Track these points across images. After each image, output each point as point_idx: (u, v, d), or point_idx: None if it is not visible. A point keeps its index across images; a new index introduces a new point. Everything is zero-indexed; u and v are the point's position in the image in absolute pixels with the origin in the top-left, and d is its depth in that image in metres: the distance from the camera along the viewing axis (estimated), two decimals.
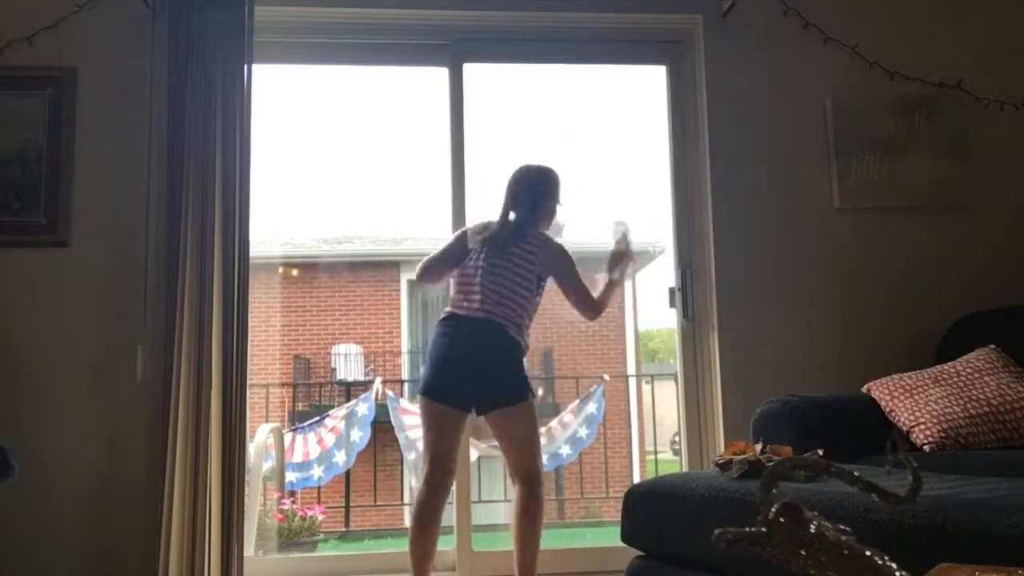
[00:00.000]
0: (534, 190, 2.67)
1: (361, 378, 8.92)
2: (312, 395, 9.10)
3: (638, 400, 8.69)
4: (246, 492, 2.74)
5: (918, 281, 3.02)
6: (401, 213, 9.75)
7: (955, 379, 2.44)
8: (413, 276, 2.86)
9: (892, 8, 3.16)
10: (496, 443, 2.61)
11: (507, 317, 2.47)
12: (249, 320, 2.73)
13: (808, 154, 3.06)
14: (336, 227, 9.87)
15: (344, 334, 9.51)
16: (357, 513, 7.74)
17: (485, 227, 2.65)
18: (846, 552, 0.69)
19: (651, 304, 9.56)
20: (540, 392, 8.66)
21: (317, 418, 5.96)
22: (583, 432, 5.83)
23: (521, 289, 2.52)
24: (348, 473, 6.68)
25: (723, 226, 3.00)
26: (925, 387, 2.44)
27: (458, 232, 2.71)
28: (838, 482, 0.78)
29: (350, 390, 8.46)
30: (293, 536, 5.07)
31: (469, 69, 3.11)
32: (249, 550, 2.94)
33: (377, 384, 7.17)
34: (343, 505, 7.48)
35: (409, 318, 9.67)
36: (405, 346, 9.62)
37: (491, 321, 2.46)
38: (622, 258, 2.72)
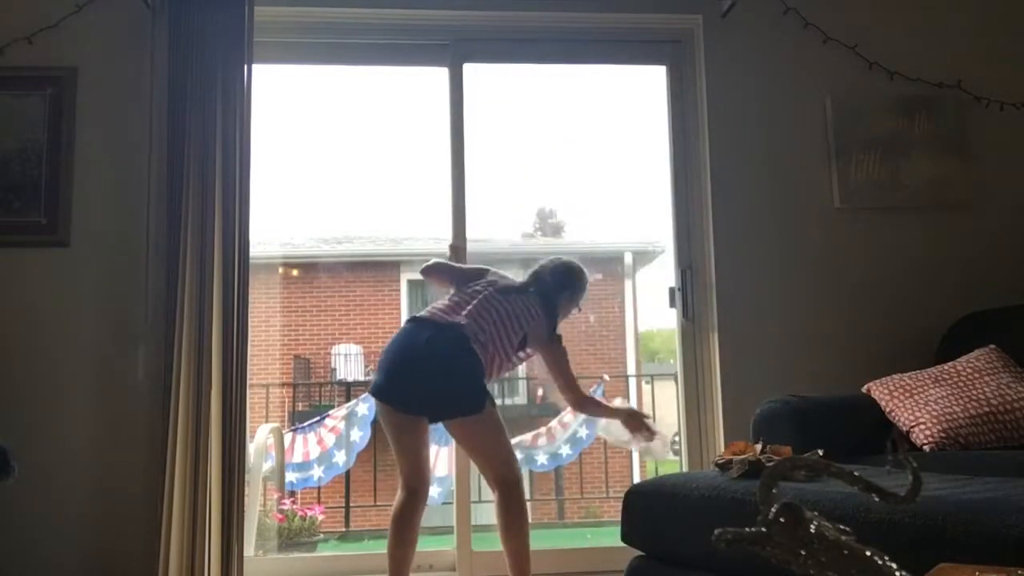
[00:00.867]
0: (561, 279, 2.63)
1: (361, 378, 8.91)
2: (312, 395, 9.09)
3: (638, 400, 8.68)
4: (246, 492, 2.74)
5: (918, 281, 3.02)
6: (401, 213, 9.74)
7: (955, 379, 2.44)
8: (418, 273, 2.84)
9: (892, 8, 3.16)
10: None
11: (478, 338, 2.37)
12: (249, 320, 2.73)
13: (808, 154, 3.06)
14: (336, 227, 9.87)
15: (344, 334, 9.50)
16: (357, 513, 7.74)
17: (504, 278, 2.63)
18: (846, 552, 0.69)
19: (651, 304, 9.56)
20: (541, 392, 8.66)
21: (317, 418, 5.96)
22: (583, 432, 5.82)
23: (508, 333, 2.45)
24: (348, 473, 6.68)
25: (723, 226, 3.00)
26: (925, 387, 2.44)
27: (481, 266, 2.68)
28: (838, 482, 0.78)
29: (350, 390, 8.45)
30: (293, 536, 5.07)
31: (469, 69, 3.11)
32: (249, 550, 2.94)
33: None
34: (343, 505, 7.48)
35: None
36: None
37: (458, 330, 2.36)
38: (641, 428, 2.65)
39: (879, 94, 3.08)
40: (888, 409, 2.44)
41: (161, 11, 2.82)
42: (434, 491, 5.57)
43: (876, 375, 2.56)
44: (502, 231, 9.40)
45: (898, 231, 3.05)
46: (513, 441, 6.48)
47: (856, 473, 0.76)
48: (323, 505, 5.94)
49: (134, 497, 2.65)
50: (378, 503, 7.65)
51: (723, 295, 2.97)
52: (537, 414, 7.37)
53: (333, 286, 9.75)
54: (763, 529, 0.72)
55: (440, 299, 2.54)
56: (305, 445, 5.71)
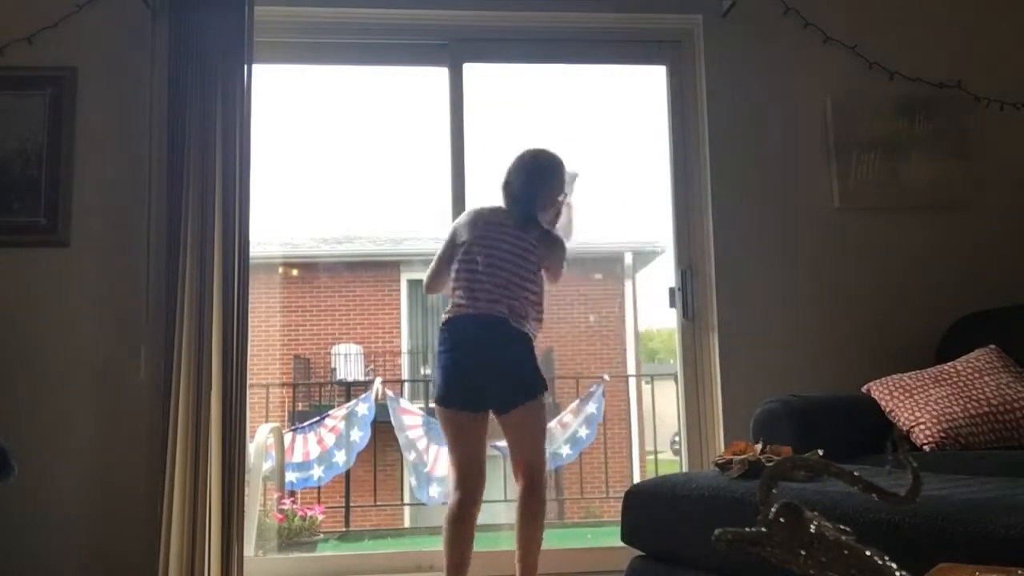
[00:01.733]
0: (536, 175, 2.56)
1: (361, 378, 8.91)
2: (312, 395, 9.09)
3: (638, 400, 8.68)
4: (246, 492, 2.74)
5: (918, 281, 3.02)
6: (401, 213, 9.73)
7: (955, 379, 2.44)
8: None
9: (892, 8, 3.16)
10: (497, 443, 2.60)
11: (512, 309, 2.39)
12: (249, 320, 2.73)
13: (808, 154, 3.06)
14: (336, 227, 9.86)
15: (344, 334, 9.50)
16: (357, 513, 7.73)
17: (479, 215, 2.55)
18: (846, 552, 0.69)
19: (651, 304, 9.55)
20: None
21: (317, 418, 5.95)
22: (583, 432, 5.82)
23: (525, 276, 2.45)
24: (348, 473, 6.67)
25: (723, 226, 3.00)
26: (925, 387, 2.44)
27: (449, 232, 2.61)
28: (838, 482, 0.78)
29: (350, 390, 8.45)
30: (293, 536, 5.06)
31: (469, 69, 3.11)
32: (249, 550, 2.94)
33: (377, 384, 7.16)
34: (343, 505, 7.47)
35: (409, 318, 9.66)
36: (405, 346, 9.62)
37: (493, 317, 2.38)
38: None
39: (879, 94, 3.08)
40: (888, 409, 2.44)
41: (161, 11, 2.82)
42: (434, 491, 5.58)
43: (876, 375, 2.56)
44: None
45: (898, 231, 3.05)
46: None
47: (856, 473, 0.76)
48: (323, 505, 5.93)
49: (134, 497, 2.65)
50: (378, 503, 7.66)
51: (723, 295, 2.97)
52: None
53: (333, 286, 9.74)
54: (763, 529, 0.72)
55: (452, 286, 2.50)
56: (305, 445, 5.70)
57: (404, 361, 9.59)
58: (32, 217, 2.78)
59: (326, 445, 5.71)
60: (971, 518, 1.31)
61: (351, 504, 7.54)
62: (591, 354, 9.38)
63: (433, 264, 2.61)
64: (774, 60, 3.09)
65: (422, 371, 9.47)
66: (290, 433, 5.79)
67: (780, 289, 2.98)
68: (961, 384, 2.41)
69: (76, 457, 2.69)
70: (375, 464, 6.82)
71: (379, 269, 9.76)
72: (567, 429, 5.85)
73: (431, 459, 5.63)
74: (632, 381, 9.21)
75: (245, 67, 2.77)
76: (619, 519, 2.01)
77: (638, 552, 1.98)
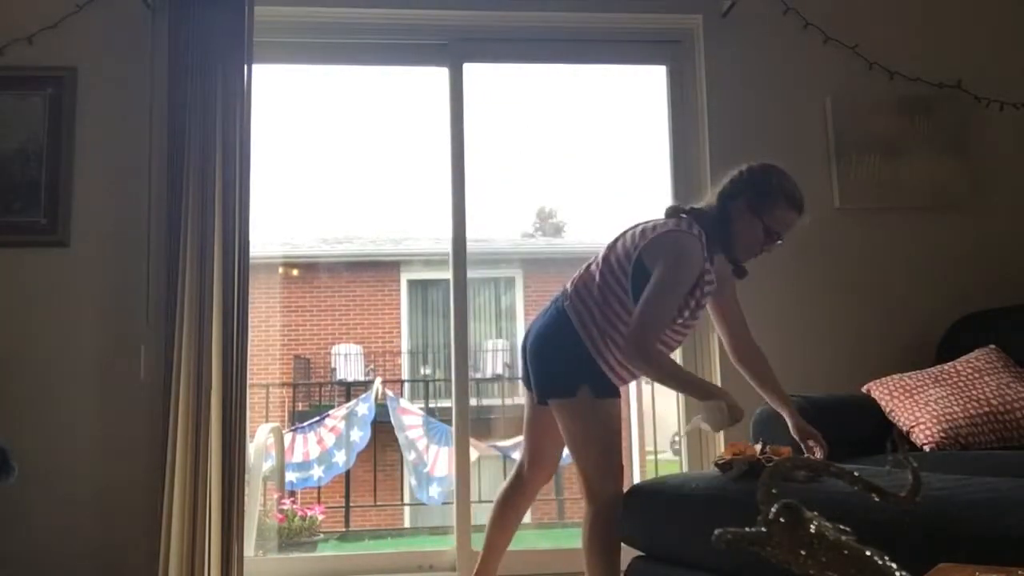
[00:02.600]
0: (741, 181, 2.18)
1: (361, 378, 8.91)
2: (312, 395, 9.09)
3: (638, 400, 8.67)
4: (246, 492, 2.74)
5: (918, 281, 3.02)
6: (401, 213, 9.73)
7: (955, 379, 2.44)
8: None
9: (892, 8, 3.16)
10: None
11: (577, 312, 2.10)
12: (249, 320, 2.73)
13: (808, 154, 3.06)
14: (336, 227, 9.86)
15: (344, 334, 9.50)
16: (357, 513, 7.73)
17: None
18: (846, 552, 0.69)
19: None
20: None
21: (317, 418, 5.96)
22: None
23: (610, 280, 2.08)
24: (348, 473, 6.68)
25: None
26: (925, 387, 2.44)
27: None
28: (838, 482, 0.78)
29: (350, 390, 8.46)
30: (293, 536, 5.06)
31: (469, 69, 3.11)
32: (249, 550, 2.94)
33: (377, 384, 7.17)
34: (343, 505, 7.47)
35: (409, 318, 9.65)
36: (405, 346, 9.61)
37: (558, 308, 2.15)
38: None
39: (879, 94, 3.08)
40: (888, 409, 2.44)
41: (161, 11, 2.82)
42: (434, 491, 5.58)
43: (876, 375, 2.56)
44: (502, 231, 9.40)
45: (898, 231, 3.05)
46: (513, 441, 6.48)
47: (856, 473, 0.76)
48: (323, 505, 5.93)
49: (134, 497, 2.65)
50: (378, 503, 7.66)
51: None
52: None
53: (333, 286, 9.74)
54: (763, 529, 0.72)
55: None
56: (305, 445, 5.71)
57: (404, 361, 9.59)
58: (32, 217, 2.78)
59: (326, 445, 5.72)
60: (971, 518, 1.31)
61: (351, 504, 7.54)
62: None
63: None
64: (774, 60, 3.09)
65: (422, 371, 9.47)
66: (290, 433, 5.80)
67: (780, 289, 2.97)
68: (961, 384, 2.41)
69: (76, 457, 2.69)
70: (375, 464, 6.82)
71: (379, 269, 9.75)
72: None
73: (431, 459, 5.63)
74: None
75: (245, 67, 2.76)
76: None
77: (638, 552, 1.98)
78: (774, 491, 0.74)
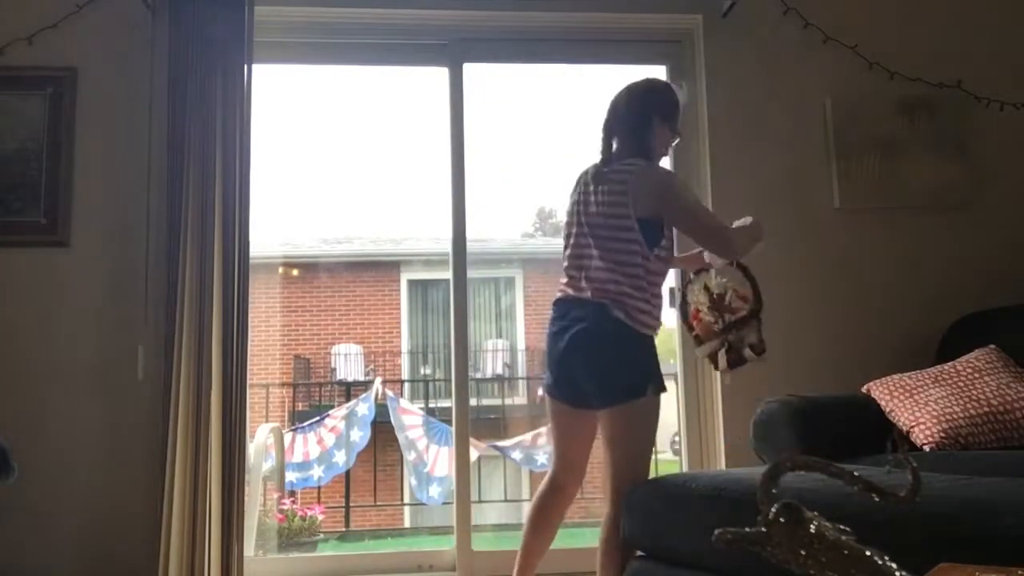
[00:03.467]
0: (620, 108, 2.24)
1: (361, 378, 8.92)
2: (312, 395, 9.09)
3: None
4: (246, 492, 2.74)
5: (918, 281, 3.02)
6: (401, 213, 9.73)
7: (955, 379, 2.44)
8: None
9: (892, 8, 3.16)
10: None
11: (607, 293, 2.07)
12: (249, 320, 2.73)
13: (808, 154, 3.06)
14: (336, 227, 9.87)
15: (344, 334, 9.50)
16: (357, 513, 7.73)
17: (579, 177, 2.29)
18: (846, 552, 0.69)
19: None
20: (541, 392, 8.66)
21: (317, 418, 5.96)
22: None
23: (617, 246, 2.09)
24: (348, 473, 6.68)
25: None
26: (925, 387, 2.43)
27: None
28: (838, 482, 0.78)
29: (350, 390, 8.46)
30: (293, 536, 5.06)
31: (469, 69, 3.11)
32: (249, 550, 2.94)
33: (377, 384, 7.17)
34: (343, 505, 7.48)
35: (409, 318, 9.66)
36: (405, 346, 9.62)
37: (585, 302, 2.11)
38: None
39: (879, 94, 3.08)
40: (888, 409, 2.44)
41: (161, 11, 2.82)
42: (434, 491, 5.58)
43: (876, 375, 2.56)
44: (502, 231, 9.40)
45: (898, 231, 3.05)
46: (513, 441, 6.47)
47: (856, 473, 0.76)
48: (323, 505, 5.94)
49: (134, 497, 2.65)
50: (378, 503, 7.66)
51: None
52: (537, 414, 7.36)
53: (333, 286, 9.74)
54: (763, 529, 0.72)
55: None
56: (305, 445, 5.71)
57: (404, 361, 9.59)
58: (32, 217, 2.77)
59: (326, 445, 5.72)
60: (971, 518, 1.31)
61: (351, 504, 7.54)
62: None
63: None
64: (774, 60, 3.09)
65: (422, 371, 9.47)
66: (290, 433, 5.80)
67: (780, 289, 2.96)
68: (961, 384, 2.40)
69: (76, 457, 2.69)
70: (375, 464, 6.82)
71: (379, 269, 9.75)
72: None
73: (431, 459, 5.63)
74: None
75: (245, 67, 2.76)
76: None
77: (638, 552, 1.98)
78: (774, 491, 0.74)
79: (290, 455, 5.53)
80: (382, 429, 6.13)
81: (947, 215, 3.07)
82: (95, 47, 2.86)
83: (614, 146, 2.24)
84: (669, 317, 3.14)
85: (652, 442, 2.14)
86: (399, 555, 2.99)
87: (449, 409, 3.13)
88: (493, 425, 7.27)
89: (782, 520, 0.71)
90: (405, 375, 9.48)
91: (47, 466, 2.64)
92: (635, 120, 2.21)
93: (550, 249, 9.79)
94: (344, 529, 7.32)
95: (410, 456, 5.71)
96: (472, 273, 3.07)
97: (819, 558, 0.69)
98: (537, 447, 5.73)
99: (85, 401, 2.72)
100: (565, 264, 2.24)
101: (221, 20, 2.75)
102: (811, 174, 3.06)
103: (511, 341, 9.19)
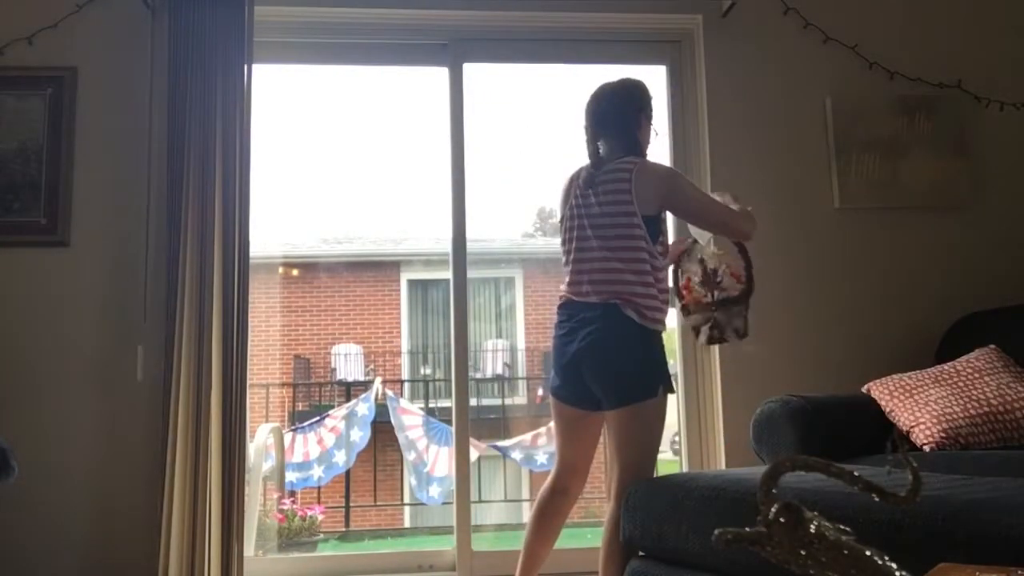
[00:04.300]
0: (603, 110, 2.28)
1: (361, 378, 8.92)
2: (312, 395, 9.09)
3: None
4: (246, 492, 2.74)
5: (918, 281, 3.02)
6: (401, 213, 9.73)
7: (955, 379, 2.44)
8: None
9: (892, 8, 3.16)
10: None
11: (616, 293, 2.10)
12: (249, 320, 2.73)
13: (808, 154, 3.06)
14: (336, 227, 9.86)
15: (344, 334, 9.50)
16: (357, 513, 7.74)
17: (570, 181, 2.31)
18: (846, 552, 0.69)
19: None
20: (541, 392, 8.66)
21: (317, 418, 5.96)
22: None
23: (624, 244, 2.13)
24: (348, 473, 6.68)
25: None
26: (925, 387, 2.43)
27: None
28: (838, 482, 0.78)
29: (350, 390, 8.46)
30: (293, 536, 5.06)
31: (469, 69, 3.11)
32: (249, 550, 2.94)
33: (377, 384, 7.17)
34: (343, 505, 7.48)
35: (409, 318, 9.65)
36: (405, 346, 9.62)
37: (594, 304, 2.13)
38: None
39: (879, 94, 3.08)
40: (888, 409, 2.44)
41: (161, 11, 2.82)
42: (434, 491, 5.58)
43: (876, 375, 2.56)
44: (502, 231, 9.40)
45: (898, 231, 3.05)
46: (513, 441, 6.47)
47: (856, 473, 0.76)
48: (323, 505, 5.94)
49: (134, 497, 2.65)
50: (378, 503, 7.67)
51: None
52: (537, 414, 7.37)
53: (333, 286, 9.74)
54: (763, 529, 0.72)
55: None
56: (305, 445, 5.71)
57: (404, 361, 9.59)
58: (32, 217, 2.78)
59: (326, 445, 5.72)
60: (971, 518, 1.31)
61: (351, 504, 7.54)
62: None
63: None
64: (774, 60, 3.09)
65: (422, 371, 9.47)
66: (290, 433, 5.80)
67: (780, 289, 2.97)
68: (961, 384, 2.41)
69: (76, 457, 2.69)
70: (375, 464, 6.82)
71: (379, 269, 9.75)
72: None
73: (431, 459, 5.63)
74: None
75: (245, 67, 2.77)
76: None
77: (638, 552, 1.98)
78: (774, 491, 0.74)
79: (290, 455, 5.53)
80: (382, 429, 6.13)
81: (947, 215, 3.07)
82: (95, 47, 2.86)
83: (601, 148, 2.27)
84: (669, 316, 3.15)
85: (660, 442, 2.16)
86: (399, 555, 2.99)
87: (449, 409, 3.13)
88: (493, 425, 7.27)
89: (782, 520, 0.71)
90: (405, 375, 9.48)
91: (47, 466, 2.64)
92: (624, 120, 2.27)
93: (550, 249, 9.79)
94: (344, 529, 7.32)
95: (410, 456, 5.71)
96: (472, 273, 3.07)
97: (819, 558, 0.69)
98: (537, 447, 5.73)
99: (85, 401, 2.72)
100: (568, 267, 2.25)
101: (221, 20, 2.75)
102: (811, 174, 3.06)
103: (511, 341, 9.19)
